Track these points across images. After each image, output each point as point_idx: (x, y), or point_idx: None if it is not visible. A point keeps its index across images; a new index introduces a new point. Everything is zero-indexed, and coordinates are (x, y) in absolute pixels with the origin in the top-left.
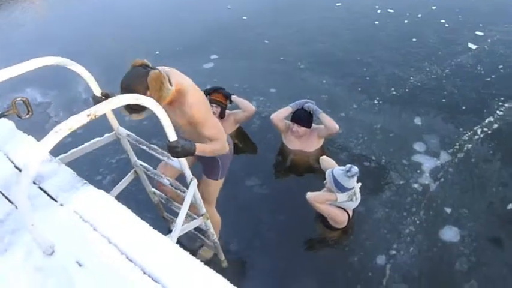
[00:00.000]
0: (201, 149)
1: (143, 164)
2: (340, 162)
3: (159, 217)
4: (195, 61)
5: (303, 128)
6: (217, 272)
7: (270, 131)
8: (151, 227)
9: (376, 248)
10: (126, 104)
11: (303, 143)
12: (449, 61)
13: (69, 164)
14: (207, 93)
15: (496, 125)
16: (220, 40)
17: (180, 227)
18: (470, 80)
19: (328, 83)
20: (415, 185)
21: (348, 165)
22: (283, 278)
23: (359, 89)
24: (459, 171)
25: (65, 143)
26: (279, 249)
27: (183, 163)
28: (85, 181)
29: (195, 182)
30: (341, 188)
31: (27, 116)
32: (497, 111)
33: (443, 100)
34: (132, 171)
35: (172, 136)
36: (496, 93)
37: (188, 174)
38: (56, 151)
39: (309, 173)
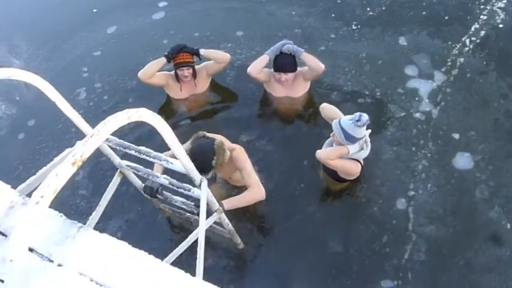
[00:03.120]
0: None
1: (130, 164)
2: (337, 105)
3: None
4: (142, 13)
5: (291, 74)
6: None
7: (248, 80)
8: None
9: (394, 193)
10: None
11: (288, 89)
12: None
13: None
14: (171, 58)
15: (483, 32)
16: None
17: (204, 231)
18: None
19: (298, 14)
20: (417, 115)
21: (357, 114)
22: (304, 244)
23: (332, 15)
24: (457, 90)
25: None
26: (291, 213)
27: (188, 166)
28: (79, 224)
29: (205, 182)
30: (352, 140)
31: None
32: (481, 16)
33: (424, 13)
34: (117, 174)
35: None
36: None
37: (196, 175)
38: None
39: (301, 120)
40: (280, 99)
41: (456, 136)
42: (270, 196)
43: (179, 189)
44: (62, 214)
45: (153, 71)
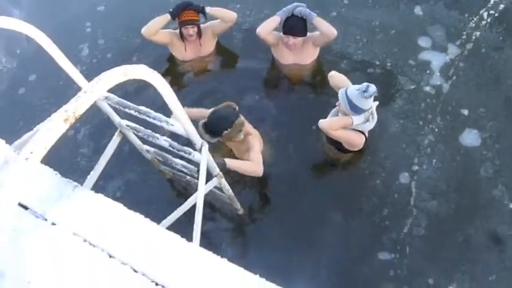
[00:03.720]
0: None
1: (130, 124)
2: (345, 74)
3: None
4: None
5: (300, 39)
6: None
7: (255, 44)
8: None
9: (397, 166)
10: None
11: (297, 55)
12: None
13: None
14: (175, 15)
15: (502, 5)
16: None
17: (202, 197)
18: None
19: None
20: (427, 88)
21: (365, 84)
22: (304, 212)
23: None
24: (470, 66)
25: None
26: (293, 181)
27: (189, 129)
28: (75, 183)
29: (206, 147)
30: (357, 110)
31: None
32: None
33: None
34: (116, 134)
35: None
36: None
37: (197, 139)
38: None
39: (308, 87)
40: (288, 66)
41: (465, 112)
42: (271, 163)
43: (180, 152)
44: (57, 172)
45: (157, 28)
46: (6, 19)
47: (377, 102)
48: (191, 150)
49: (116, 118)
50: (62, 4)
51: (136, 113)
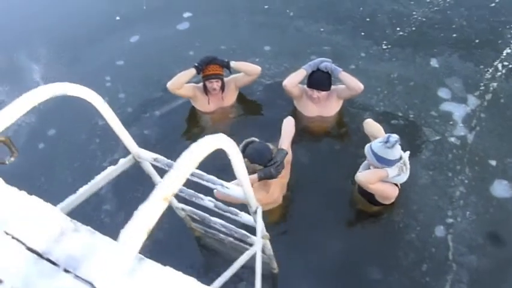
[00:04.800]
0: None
1: None
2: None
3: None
4: (166, 23)
5: (324, 93)
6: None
7: (276, 96)
8: None
9: (431, 219)
10: None
11: (321, 107)
12: None
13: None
14: (200, 69)
15: None
16: None
17: (260, 258)
18: (475, 9)
19: (327, 30)
20: (452, 139)
21: (386, 135)
22: (340, 267)
23: (362, 33)
24: (492, 116)
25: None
26: (325, 234)
27: (249, 192)
28: (141, 256)
29: (260, 208)
30: (386, 162)
31: (12, 158)
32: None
33: (454, 35)
34: None
35: None
36: (505, 20)
37: (254, 202)
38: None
39: (332, 139)
40: (311, 118)
41: (493, 163)
42: (302, 219)
43: (225, 213)
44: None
45: (182, 82)
46: (60, 86)
47: (408, 152)
48: (237, 211)
49: (157, 179)
50: (80, 59)
51: (198, 179)
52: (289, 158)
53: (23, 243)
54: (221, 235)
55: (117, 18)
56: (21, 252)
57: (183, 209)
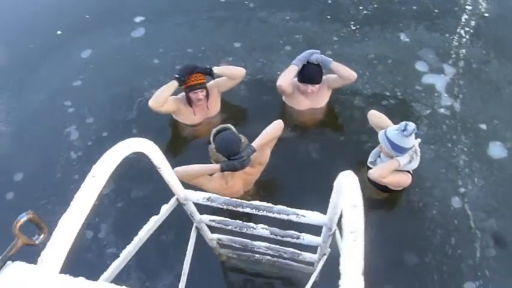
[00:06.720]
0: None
1: (216, 218)
2: (362, 110)
3: None
4: (118, 31)
5: (317, 85)
6: None
7: (261, 95)
8: None
9: (446, 192)
10: None
11: (313, 100)
12: None
13: None
14: (183, 80)
15: (473, 22)
16: None
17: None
18: None
19: (292, 18)
20: (442, 110)
21: (403, 123)
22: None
23: (328, 17)
24: (470, 82)
25: None
26: None
27: (334, 219)
28: None
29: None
30: (401, 150)
31: (42, 237)
32: (466, 7)
33: (414, 7)
34: (193, 230)
35: None
36: None
37: (335, 225)
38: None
39: (327, 129)
40: (303, 111)
41: (483, 127)
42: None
43: (284, 238)
44: None
45: (166, 97)
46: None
47: (419, 140)
48: (298, 234)
49: (197, 216)
50: (28, 86)
51: (253, 210)
52: (262, 159)
53: None
54: (256, 256)
55: (59, 32)
56: None
57: (219, 239)
